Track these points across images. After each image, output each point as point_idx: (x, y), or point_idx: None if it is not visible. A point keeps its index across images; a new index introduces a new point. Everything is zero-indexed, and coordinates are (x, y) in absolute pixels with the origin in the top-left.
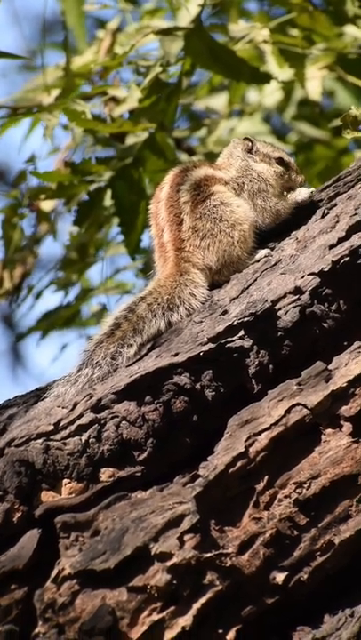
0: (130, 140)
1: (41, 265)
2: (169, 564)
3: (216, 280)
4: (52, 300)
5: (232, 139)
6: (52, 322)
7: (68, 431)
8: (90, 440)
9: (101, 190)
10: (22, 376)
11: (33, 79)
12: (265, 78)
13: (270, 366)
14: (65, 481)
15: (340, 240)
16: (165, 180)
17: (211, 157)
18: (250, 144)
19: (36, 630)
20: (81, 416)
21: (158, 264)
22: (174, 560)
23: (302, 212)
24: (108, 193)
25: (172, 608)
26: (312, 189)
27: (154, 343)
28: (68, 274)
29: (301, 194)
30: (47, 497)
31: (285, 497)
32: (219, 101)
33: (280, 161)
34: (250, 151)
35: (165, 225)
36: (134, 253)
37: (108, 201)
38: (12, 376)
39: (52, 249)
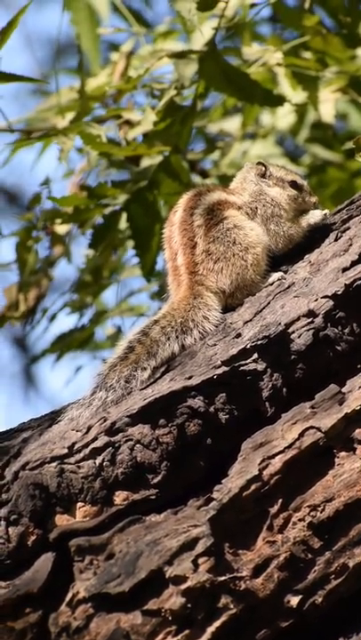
0: (144, 163)
1: (55, 288)
2: (183, 587)
3: (230, 303)
4: (66, 322)
5: (245, 162)
6: (67, 344)
7: (82, 454)
8: (104, 463)
9: (116, 213)
10: (35, 399)
11: (46, 101)
12: (278, 101)
13: (284, 389)
14: (79, 504)
15: (354, 263)
16: (179, 203)
17: (224, 180)
18: (263, 168)
19: None
20: (95, 439)
21: (172, 287)
22: (189, 583)
23: (316, 236)
24: (123, 216)
25: (187, 631)
26: (326, 211)
27: (168, 366)
28: (83, 296)
29: (315, 216)
30: (61, 520)
31: (299, 520)
32: (232, 124)
33: (293, 184)
34: (263, 175)
35: (179, 248)
36: (149, 275)
37: (122, 224)
38: (24, 399)
39: (66, 271)
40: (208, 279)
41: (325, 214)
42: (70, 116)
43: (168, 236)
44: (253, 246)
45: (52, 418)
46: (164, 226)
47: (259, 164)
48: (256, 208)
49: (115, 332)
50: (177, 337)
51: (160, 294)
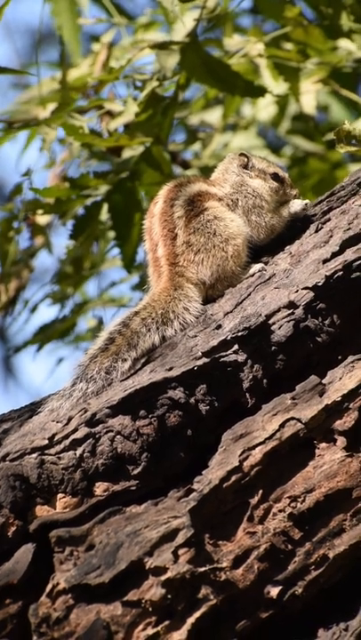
0: (126, 154)
1: (36, 279)
2: (163, 578)
3: (210, 295)
4: (47, 313)
5: (228, 153)
6: (48, 335)
7: (62, 445)
8: (84, 454)
9: (98, 204)
10: (15, 390)
11: (27, 92)
12: (259, 92)
13: (264, 380)
14: (59, 495)
15: (334, 254)
16: (159, 195)
17: (206, 171)
18: (245, 160)
19: None
20: (75, 430)
21: (152, 279)
22: (169, 574)
23: (296, 227)
24: (105, 207)
25: (167, 622)
26: (307, 201)
27: (148, 357)
28: (64, 287)
29: (295, 205)
30: (42, 511)
31: (280, 511)
32: (214, 115)
33: (275, 176)
34: (245, 167)
35: (159, 240)
36: (130, 267)
37: (104, 215)
38: (4, 389)
39: (47, 262)
40: (188, 270)
41: (306, 204)
42: (52, 106)
43: (148, 227)
44: (234, 237)
45: (33, 409)
46: (144, 217)
47: (241, 155)
48: (237, 199)
49: (96, 323)
50: (157, 328)
51: (141, 285)
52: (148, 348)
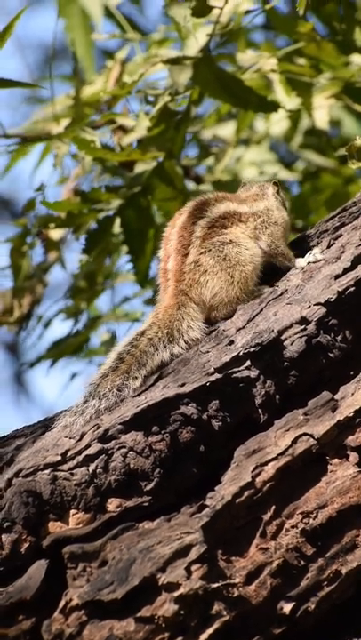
0: (138, 169)
1: (50, 293)
2: (176, 594)
3: (213, 317)
4: (60, 328)
5: (260, 178)
6: (61, 350)
7: (75, 461)
8: (97, 470)
9: (110, 219)
10: (27, 405)
11: (41, 109)
12: (272, 107)
13: (277, 396)
14: (72, 511)
15: (346, 270)
16: (186, 207)
17: (218, 185)
18: (277, 188)
19: None
20: (88, 446)
21: (160, 289)
22: (182, 590)
23: (308, 243)
24: (117, 221)
25: (180, 638)
26: (313, 256)
27: (161, 373)
28: (77, 302)
29: (302, 262)
30: (55, 527)
31: (292, 527)
32: (226, 130)
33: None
34: (277, 193)
35: (172, 253)
36: (143, 281)
37: (116, 229)
38: (16, 405)
39: (60, 277)
40: (192, 290)
41: (314, 255)
42: (65, 122)
43: (167, 236)
44: (244, 264)
45: (46, 425)
46: (158, 231)
47: (275, 184)
48: (264, 220)
49: (109, 337)
50: (165, 347)
51: (154, 300)
52: (158, 365)
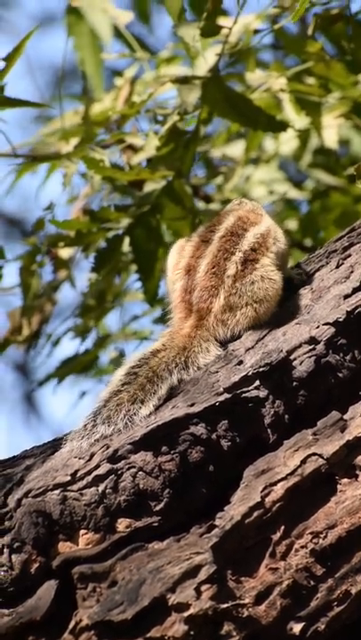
0: (147, 188)
1: (59, 312)
2: (186, 614)
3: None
4: (68, 347)
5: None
6: (70, 368)
7: (85, 482)
8: (107, 490)
9: (119, 237)
10: (37, 424)
11: (49, 125)
12: (281, 127)
13: (286, 416)
14: (82, 531)
15: (355, 290)
16: (214, 235)
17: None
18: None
19: None
20: (98, 467)
21: (178, 313)
22: (191, 611)
23: (317, 263)
24: (126, 240)
25: None
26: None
27: (170, 393)
28: (86, 321)
29: None
30: (64, 548)
31: (302, 547)
32: (235, 149)
33: None
34: None
35: (197, 288)
36: (152, 300)
37: (125, 248)
38: (26, 424)
39: (70, 296)
40: (217, 330)
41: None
42: (74, 141)
43: (192, 265)
44: (269, 300)
45: (55, 445)
46: (167, 250)
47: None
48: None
49: (117, 356)
50: (178, 372)
51: (163, 319)
52: (168, 391)
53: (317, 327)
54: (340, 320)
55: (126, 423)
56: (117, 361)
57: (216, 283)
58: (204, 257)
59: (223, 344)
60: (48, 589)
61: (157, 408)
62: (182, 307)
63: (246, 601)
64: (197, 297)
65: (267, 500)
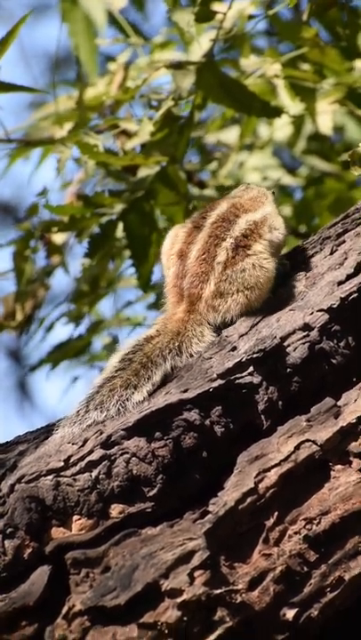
0: (141, 173)
1: (52, 297)
2: (179, 600)
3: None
4: (62, 332)
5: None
6: (63, 354)
7: (78, 467)
8: (100, 476)
9: (113, 223)
10: (30, 411)
11: (43, 110)
12: (276, 112)
13: (280, 402)
14: (75, 517)
15: (349, 277)
16: (205, 221)
17: (221, 190)
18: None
19: None
20: (91, 452)
21: (171, 299)
22: (185, 596)
23: (311, 250)
24: (120, 226)
25: None
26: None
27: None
28: (80, 306)
29: None
30: (57, 533)
31: (295, 533)
32: (230, 135)
33: None
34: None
35: (188, 274)
36: (146, 286)
37: (119, 233)
38: (19, 410)
39: (63, 281)
40: (208, 315)
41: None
42: (68, 126)
43: (184, 251)
44: (261, 287)
45: (48, 431)
46: (161, 236)
47: (272, 191)
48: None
49: (111, 342)
50: (172, 358)
51: (156, 304)
52: (162, 377)
53: (311, 314)
54: (334, 306)
55: (119, 409)
56: (111, 347)
57: (206, 269)
58: (196, 243)
59: (217, 329)
60: (41, 575)
61: (151, 394)
62: (175, 292)
63: (240, 587)
64: (188, 283)
65: (260, 486)
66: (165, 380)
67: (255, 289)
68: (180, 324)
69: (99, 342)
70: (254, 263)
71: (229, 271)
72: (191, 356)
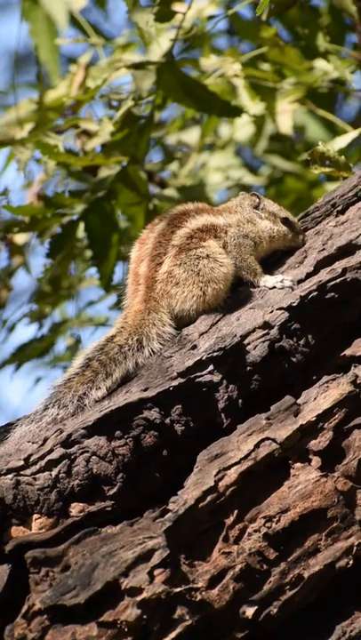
0: (102, 174)
1: (14, 298)
2: (139, 598)
3: (178, 322)
4: (25, 333)
5: (240, 192)
6: (26, 355)
7: (38, 466)
8: (60, 475)
9: (74, 223)
10: None
11: (5, 114)
12: (236, 112)
13: (240, 401)
14: (35, 516)
15: (309, 275)
16: (167, 214)
17: (183, 190)
18: (257, 200)
19: None
20: (51, 451)
21: (129, 291)
22: (144, 595)
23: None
24: (81, 226)
25: None
26: (285, 281)
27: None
28: (42, 306)
29: (268, 282)
30: (17, 532)
31: (255, 531)
32: (191, 135)
33: (285, 221)
34: (256, 207)
35: (146, 257)
36: (107, 286)
37: (80, 233)
38: None
39: (25, 282)
40: (163, 300)
41: (282, 281)
42: (29, 126)
43: (144, 238)
44: (216, 282)
45: (8, 430)
46: (122, 236)
47: (253, 195)
48: (234, 233)
49: (74, 342)
50: (133, 355)
51: (118, 305)
52: (123, 375)
53: (271, 312)
54: (294, 305)
55: (77, 405)
56: (74, 348)
57: (161, 251)
58: (155, 231)
59: (174, 317)
60: (1, 574)
61: (111, 393)
62: (132, 279)
63: (199, 585)
64: (145, 266)
65: (220, 484)
66: (126, 379)
67: (211, 282)
68: (139, 315)
69: (62, 343)
70: (208, 254)
71: (184, 255)
72: (152, 351)
